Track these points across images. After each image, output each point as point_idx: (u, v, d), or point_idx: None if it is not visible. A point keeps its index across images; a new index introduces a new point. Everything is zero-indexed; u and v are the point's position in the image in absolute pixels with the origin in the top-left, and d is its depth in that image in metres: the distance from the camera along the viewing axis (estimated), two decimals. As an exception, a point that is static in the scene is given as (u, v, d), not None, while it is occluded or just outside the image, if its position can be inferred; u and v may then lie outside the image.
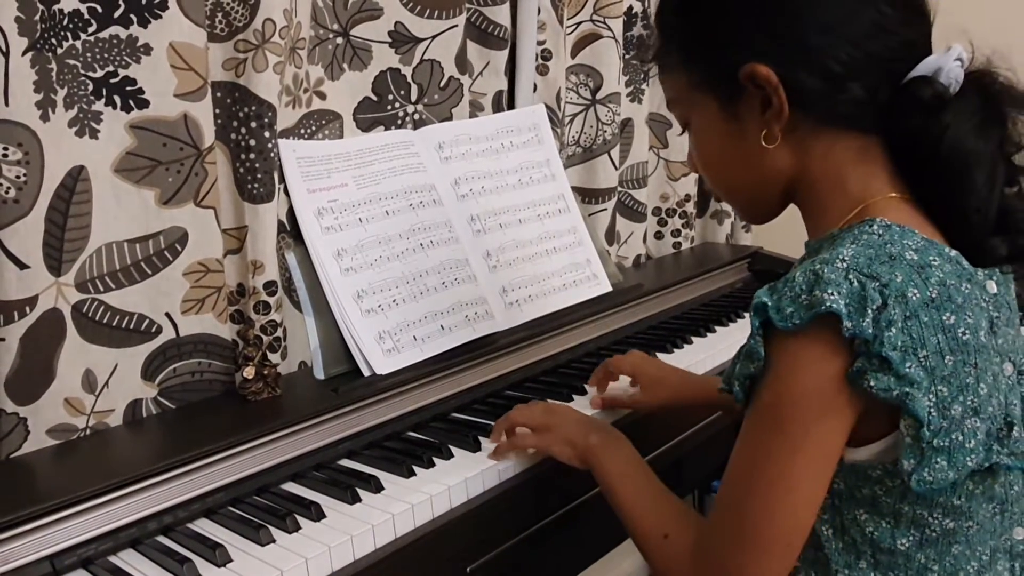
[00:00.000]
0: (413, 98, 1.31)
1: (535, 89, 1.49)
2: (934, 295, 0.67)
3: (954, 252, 0.71)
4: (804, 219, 0.80)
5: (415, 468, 0.98)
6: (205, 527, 0.89)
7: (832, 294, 0.65)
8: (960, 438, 0.68)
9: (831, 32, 0.72)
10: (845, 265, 0.67)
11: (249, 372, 1.05)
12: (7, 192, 0.86)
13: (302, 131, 1.19)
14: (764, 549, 0.71)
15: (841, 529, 0.76)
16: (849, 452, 0.72)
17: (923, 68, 0.72)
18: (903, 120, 0.72)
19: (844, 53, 0.71)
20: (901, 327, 0.66)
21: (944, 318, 0.67)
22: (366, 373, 1.11)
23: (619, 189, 1.67)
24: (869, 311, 0.65)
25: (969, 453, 0.68)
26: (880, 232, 0.70)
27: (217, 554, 0.82)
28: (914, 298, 0.66)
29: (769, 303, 0.68)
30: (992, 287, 0.73)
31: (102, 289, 0.97)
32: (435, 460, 1.00)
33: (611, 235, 1.65)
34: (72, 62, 0.93)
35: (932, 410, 0.67)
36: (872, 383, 0.66)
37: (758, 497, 0.70)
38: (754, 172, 0.78)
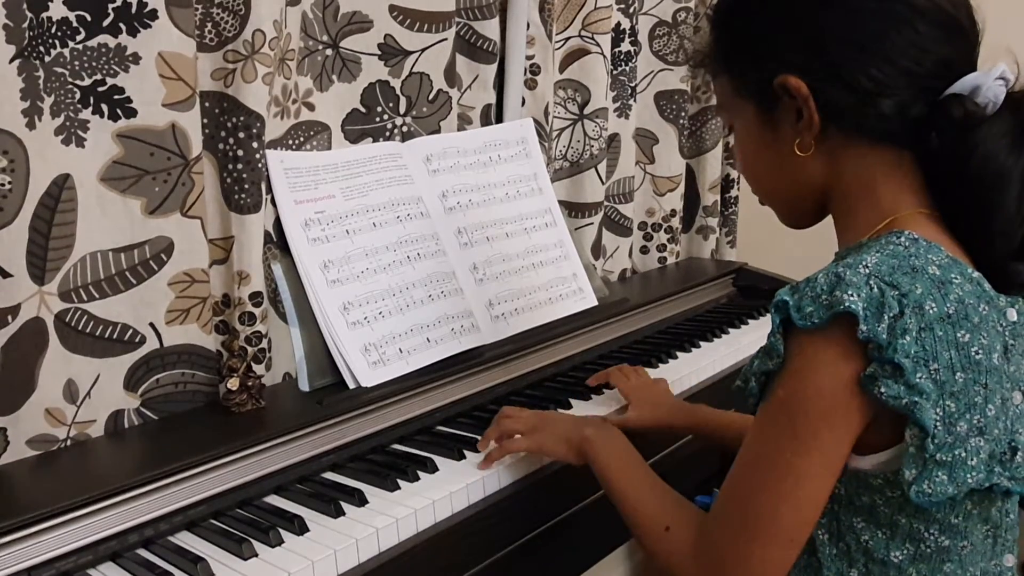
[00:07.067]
0: (402, 110, 1.32)
1: (523, 103, 1.50)
2: (951, 311, 0.68)
3: (977, 274, 0.71)
4: (836, 227, 0.81)
5: (400, 481, 0.97)
6: (187, 540, 0.88)
7: (852, 295, 0.66)
8: (963, 455, 0.68)
9: (862, 49, 0.73)
10: (867, 271, 0.68)
11: (233, 383, 1.04)
12: (-9, 200, 0.85)
13: (290, 142, 1.19)
14: (768, 541, 0.71)
15: (837, 535, 0.76)
16: (853, 459, 0.73)
17: (960, 86, 0.72)
18: (934, 137, 0.72)
19: (875, 70, 0.72)
20: (915, 337, 0.66)
21: (959, 335, 0.68)
22: (351, 385, 1.11)
23: (605, 203, 1.68)
24: (886, 317, 0.66)
25: (970, 471, 0.69)
26: (907, 244, 0.71)
27: (199, 568, 0.81)
28: (931, 311, 0.67)
29: (790, 301, 0.69)
30: (1013, 315, 0.73)
31: (86, 298, 0.96)
32: (420, 474, 0.99)
33: (597, 249, 1.66)
34: (60, 70, 0.93)
35: (938, 423, 0.67)
36: (882, 389, 0.67)
37: (765, 489, 0.71)
38: (789, 178, 0.80)
